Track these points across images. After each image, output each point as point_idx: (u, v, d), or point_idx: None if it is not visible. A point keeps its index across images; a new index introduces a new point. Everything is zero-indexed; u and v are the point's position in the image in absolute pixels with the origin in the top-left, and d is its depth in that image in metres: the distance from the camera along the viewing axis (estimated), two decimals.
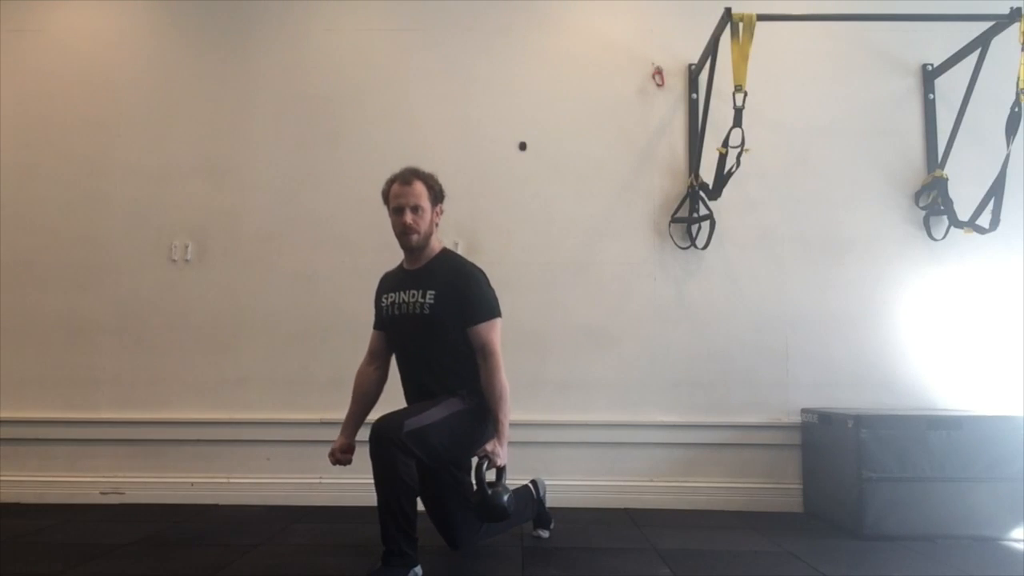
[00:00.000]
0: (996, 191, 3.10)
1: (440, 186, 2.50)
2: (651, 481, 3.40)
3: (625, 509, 3.32)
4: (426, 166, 2.53)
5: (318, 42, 3.72)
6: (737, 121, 3.01)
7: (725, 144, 3.07)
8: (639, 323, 3.49)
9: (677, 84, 3.62)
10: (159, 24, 3.76)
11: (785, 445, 3.39)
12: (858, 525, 2.91)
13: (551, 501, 3.01)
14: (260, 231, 3.60)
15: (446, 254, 2.54)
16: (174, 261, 3.59)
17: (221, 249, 3.60)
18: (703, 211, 3.41)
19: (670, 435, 3.41)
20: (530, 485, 2.80)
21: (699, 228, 3.48)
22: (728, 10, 2.96)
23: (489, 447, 2.26)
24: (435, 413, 2.29)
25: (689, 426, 3.41)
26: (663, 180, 3.58)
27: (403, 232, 2.43)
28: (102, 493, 3.43)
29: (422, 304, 2.40)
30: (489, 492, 2.23)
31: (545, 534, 2.82)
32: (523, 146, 3.61)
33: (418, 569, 2.24)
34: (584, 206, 3.57)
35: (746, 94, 2.98)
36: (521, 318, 3.45)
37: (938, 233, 3.47)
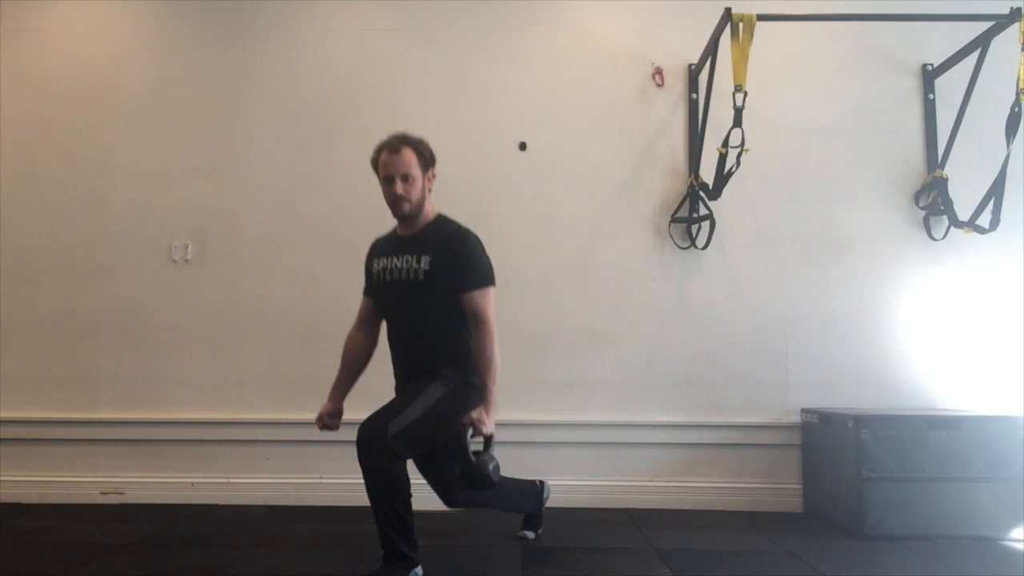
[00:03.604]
0: (996, 191, 3.11)
1: (431, 151, 2.42)
2: (651, 481, 3.40)
3: (625, 509, 3.32)
4: None
5: (317, 42, 3.72)
6: (737, 121, 3.01)
7: (725, 144, 3.07)
8: (639, 323, 3.49)
9: (677, 84, 3.62)
10: (159, 24, 3.76)
11: (785, 445, 3.39)
12: (858, 525, 2.91)
13: (552, 501, 3.01)
14: (260, 231, 3.60)
15: (442, 219, 2.46)
16: (174, 261, 3.59)
17: (221, 249, 3.60)
18: (703, 211, 3.41)
19: (670, 435, 3.41)
20: (538, 483, 2.80)
21: (699, 228, 3.48)
22: (728, 10, 2.96)
23: (475, 415, 2.22)
24: (417, 407, 2.23)
25: (689, 426, 3.41)
26: (663, 180, 3.58)
27: (394, 202, 2.37)
28: (102, 493, 3.43)
29: (416, 270, 2.34)
30: (474, 460, 2.20)
31: (531, 536, 2.80)
32: (523, 146, 3.61)
33: (419, 570, 2.24)
34: (584, 206, 3.57)
35: (746, 94, 2.98)
36: (521, 318, 3.45)
37: (938, 233, 3.47)
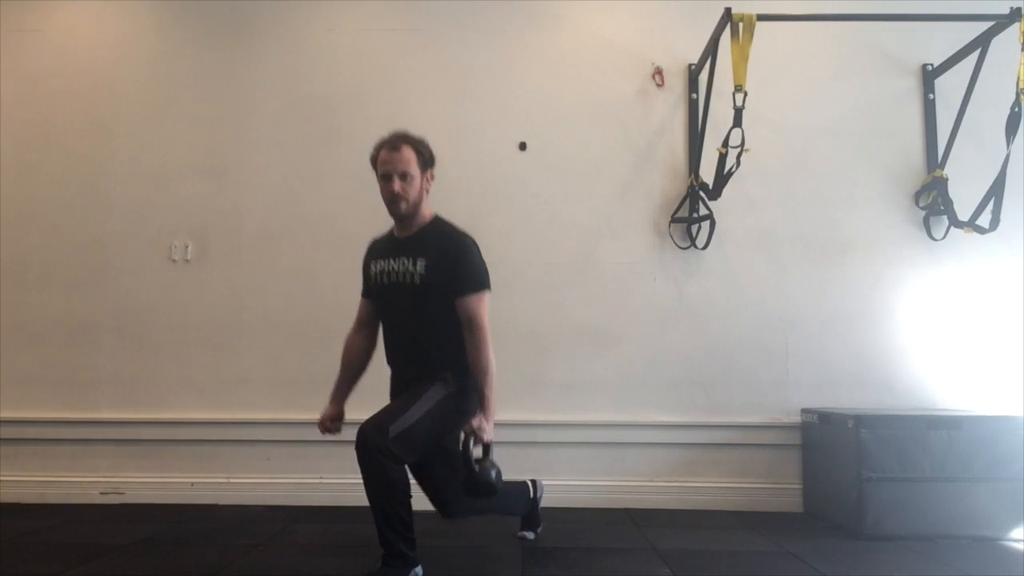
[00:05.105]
0: (996, 191, 3.11)
1: (431, 151, 2.40)
2: (651, 481, 3.40)
3: (625, 509, 3.32)
4: None
5: (318, 42, 3.72)
6: (737, 121, 3.01)
7: (725, 144, 3.07)
8: (639, 323, 3.49)
9: (677, 84, 3.62)
10: (159, 24, 3.76)
11: (785, 445, 3.39)
12: (858, 525, 2.91)
13: (552, 501, 3.02)
14: (260, 231, 3.60)
15: (438, 221, 2.44)
16: (174, 261, 3.59)
17: (221, 249, 3.60)
18: (703, 211, 3.41)
19: (670, 435, 3.41)
20: (528, 483, 2.79)
21: (699, 228, 3.48)
22: (728, 10, 2.96)
23: (475, 423, 2.20)
24: (417, 410, 2.22)
25: (689, 426, 3.41)
26: (663, 180, 3.58)
27: (391, 200, 2.35)
28: (102, 493, 3.43)
29: (413, 274, 2.32)
30: (476, 468, 2.20)
31: (531, 536, 2.79)
32: (523, 146, 3.61)
33: (418, 569, 2.24)
34: (584, 206, 3.57)
35: (746, 94, 2.98)
36: (521, 318, 3.45)
37: (938, 233, 3.47)
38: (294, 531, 2.94)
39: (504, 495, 2.53)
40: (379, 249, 2.50)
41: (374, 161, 2.40)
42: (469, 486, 2.23)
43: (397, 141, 2.36)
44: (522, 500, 2.73)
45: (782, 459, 3.39)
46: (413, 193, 2.34)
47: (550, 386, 3.45)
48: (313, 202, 3.60)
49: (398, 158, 2.33)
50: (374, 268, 2.46)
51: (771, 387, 3.44)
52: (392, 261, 2.39)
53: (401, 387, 2.42)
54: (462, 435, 2.25)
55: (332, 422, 2.47)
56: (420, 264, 2.32)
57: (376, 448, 2.12)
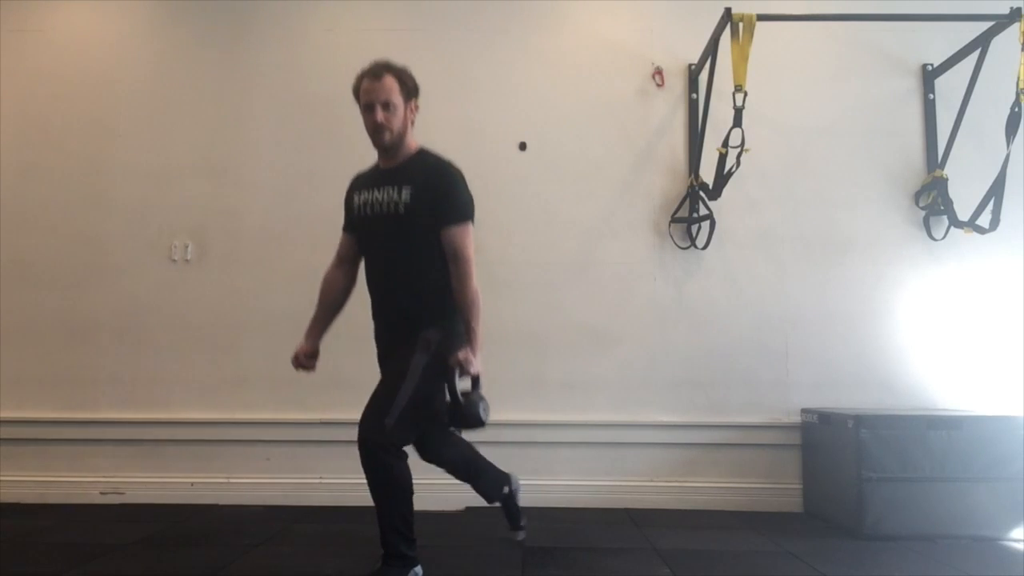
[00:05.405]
0: (996, 191, 3.11)
1: (414, 81, 2.30)
2: (651, 481, 3.40)
3: (625, 509, 3.32)
4: None
5: (318, 42, 3.72)
6: (737, 121, 3.01)
7: (725, 144, 3.07)
8: (639, 323, 3.49)
9: (677, 84, 3.62)
10: (159, 24, 3.76)
11: (785, 445, 3.39)
12: (858, 525, 2.91)
13: (552, 501, 3.02)
14: (260, 231, 3.60)
15: (424, 152, 2.34)
16: (174, 261, 3.59)
17: (221, 249, 3.60)
18: (703, 211, 3.41)
19: (670, 435, 3.41)
20: (508, 476, 2.59)
21: (699, 228, 3.48)
22: (728, 10, 2.96)
23: (461, 355, 2.13)
24: (406, 389, 2.16)
25: (689, 426, 3.41)
26: (663, 180, 3.58)
27: (374, 131, 2.26)
28: (102, 493, 3.43)
29: (397, 203, 2.23)
30: (462, 400, 2.16)
31: (521, 535, 2.63)
32: (523, 146, 3.61)
33: (418, 569, 2.23)
34: (584, 206, 3.57)
35: (746, 94, 2.98)
36: (521, 318, 3.45)
37: (938, 233, 3.47)
38: (294, 531, 2.94)
39: (484, 468, 2.44)
40: (363, 181, 2.41)
41: (356, 92, 2.30)
42: (455, 418, 2.18)
43: (379, 70, 2.26)
44: (496, 487, 2.54)
45: (782, 459, 3.39)
46: (396, 123, 2.26)
47: (550, 386, 3.45)
48: (313, 202, 3.60)
49: (380, 87, 2.24)
50: (357, 200, 2.37)
51: (771, 387, 3.44)
52: (376, 192, 2.30)
53: (386, 339, 2.34)
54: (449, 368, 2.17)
55: (307, 359, 2.42)
56: (405, 193, 2.24)
57: (378, 446, 2.11)
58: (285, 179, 3.62)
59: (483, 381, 2.21)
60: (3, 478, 3.45)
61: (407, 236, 2.26)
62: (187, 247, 3.59)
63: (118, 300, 3.57)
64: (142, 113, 3.68)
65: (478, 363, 2.17)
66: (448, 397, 2.18)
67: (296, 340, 3.46)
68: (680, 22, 3.62)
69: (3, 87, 3.72)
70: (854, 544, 2.82)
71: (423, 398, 2.20)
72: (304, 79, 3.69)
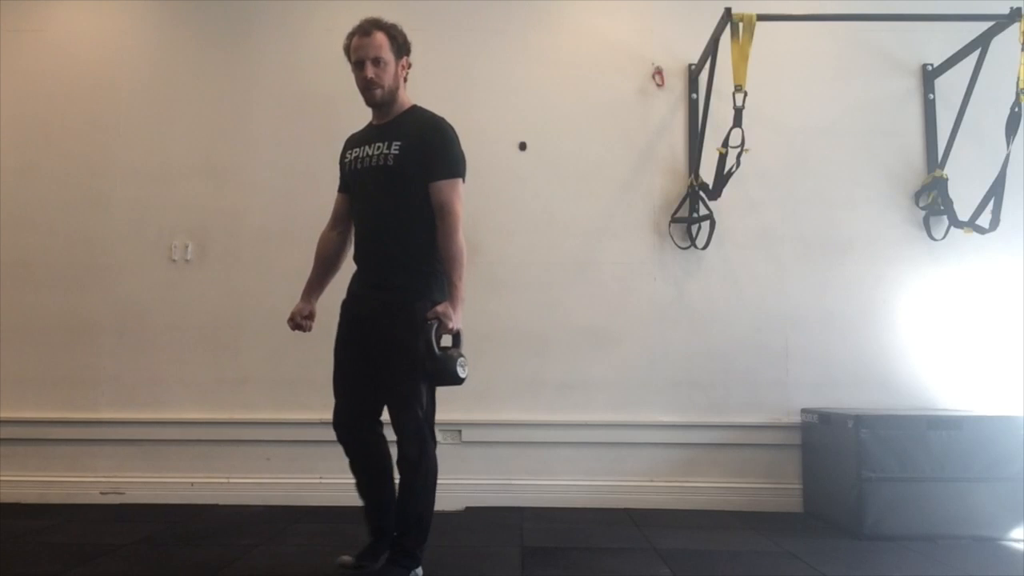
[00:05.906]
0: (996, 191, 3.10)
1: (405, 36, 2.30)
2: (651, 481, 3.40)
3: (625, 509, 3.32)
4: None
5: (318, 42, 3.71)
6: (737, 121, 3.01)
7: (725, 144, 3.07)
8: (639, 323, 3.49)
9: (677, 84, 3.62)
10: (159, 24, 3.76)
11: (785, 445, 3.39)
12: (858, 525, 2.91)
13: (552, 501, 3.02)
14: (260, 231, 3.60)
15: (417, 109, 2.34)
16: (174, 261, 3.59)
17: (221, 249, 3.60)
18: (703, 211, 3.41)
19: (670, 435, 3.41)
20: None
21: (699, 228, 3.48)
22: (728, 10, 2.96)
23: (441, 308, 2.12)
24: (414, 375, 2.16)
25: (689, 426, 3.41)
26: (663, 180, 3.58)
27: (365, 87, 2.26)
28: (102, 493, 3.43)
29: (387, 155, 2.23)
30: (439, 354, 2.10)
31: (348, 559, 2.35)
32: (523, 146, 3.61)
33: (419, 570, 2.24)
34: (584, 206, 3.57)
35: (746, 94, 2.98)
36: (521, 318, 3.45)
37: (938, 233, 3.47)
38: (294, 531, 2.94)
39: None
40: (356, 139, 2.42)
41: (347, 50, 2.30)
42: (431, 374, 2.13)
43: (368, 26, 2.26)
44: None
45: (782, 459, 3.39)
46: (388, 79, 2.26)
47: (550, 386, 3.45)
48: (312, 202, 3.56)
49: (370, 43, 2.24)
50: (349, 156, 2.39)
51: (771, 387, 3.44)
52: (367, 147, 2.31)
53: (366, 284, 2.31)
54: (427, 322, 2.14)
55: (304, 319, 2.44)
56: (395, 146, 2.24)
57: (427, 455, 2.17)
58: (285, 179, 3.62)
59: (463, 338, 2.18)
60: (3, 478, 3.45)
61: (395, 188, 2.25)
62: (187, 247, 3.59)
63: (118, 300, 3.57)
64: (142, 113, 3.68)
65: (458, 319, 2.15)
66: (423, 350, 2.12)
67: (296, 340, 3.49)
68: (680, 22, 3.62)
69: (3, 87, 3.72)
70: (854, 544, 2.82)
71: (425, 373, 2.16)
72: (304, 79, 3.69)
